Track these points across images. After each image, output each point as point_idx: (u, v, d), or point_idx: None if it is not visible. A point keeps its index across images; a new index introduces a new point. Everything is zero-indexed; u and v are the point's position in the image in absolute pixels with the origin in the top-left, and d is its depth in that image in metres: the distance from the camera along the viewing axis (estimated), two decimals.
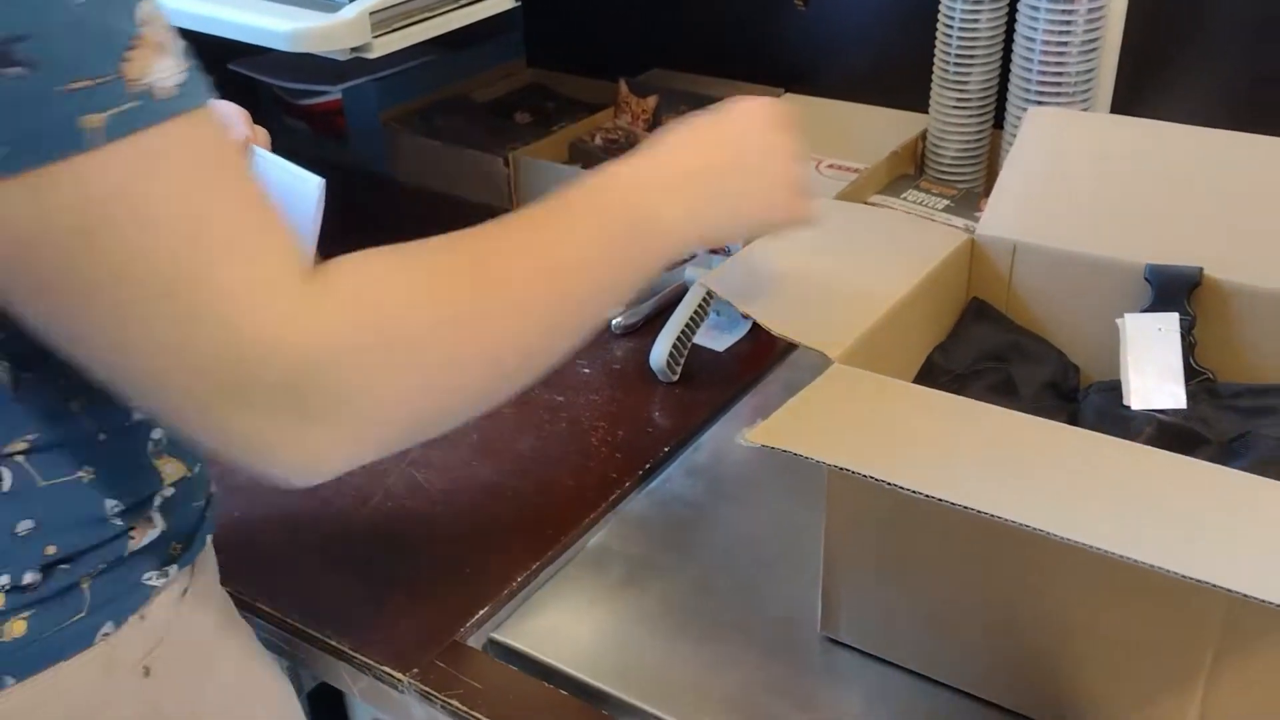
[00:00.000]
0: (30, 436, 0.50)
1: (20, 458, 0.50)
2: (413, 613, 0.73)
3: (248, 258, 0.43)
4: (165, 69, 0.41)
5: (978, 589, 0.61)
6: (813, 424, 0.58)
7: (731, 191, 0.60)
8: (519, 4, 1.05)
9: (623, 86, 1.36)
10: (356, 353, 0.45)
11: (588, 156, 1.30)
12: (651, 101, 1.34)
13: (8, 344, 0.49)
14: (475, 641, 0.72)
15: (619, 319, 1.02)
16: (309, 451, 0.45)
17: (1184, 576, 0.47)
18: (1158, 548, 0.49)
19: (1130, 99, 1.12)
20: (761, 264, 0.73)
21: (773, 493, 0.82)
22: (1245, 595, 0.46)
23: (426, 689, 0.67)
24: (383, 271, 0.48)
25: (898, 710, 0.64)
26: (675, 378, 0.94)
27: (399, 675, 0.68)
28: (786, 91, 1.33)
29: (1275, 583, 0.47)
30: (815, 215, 0.64)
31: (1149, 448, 0.57)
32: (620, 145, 1.31)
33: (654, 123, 1.34)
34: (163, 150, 0.41)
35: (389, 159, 1.34)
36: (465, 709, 0.66)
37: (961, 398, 0.61)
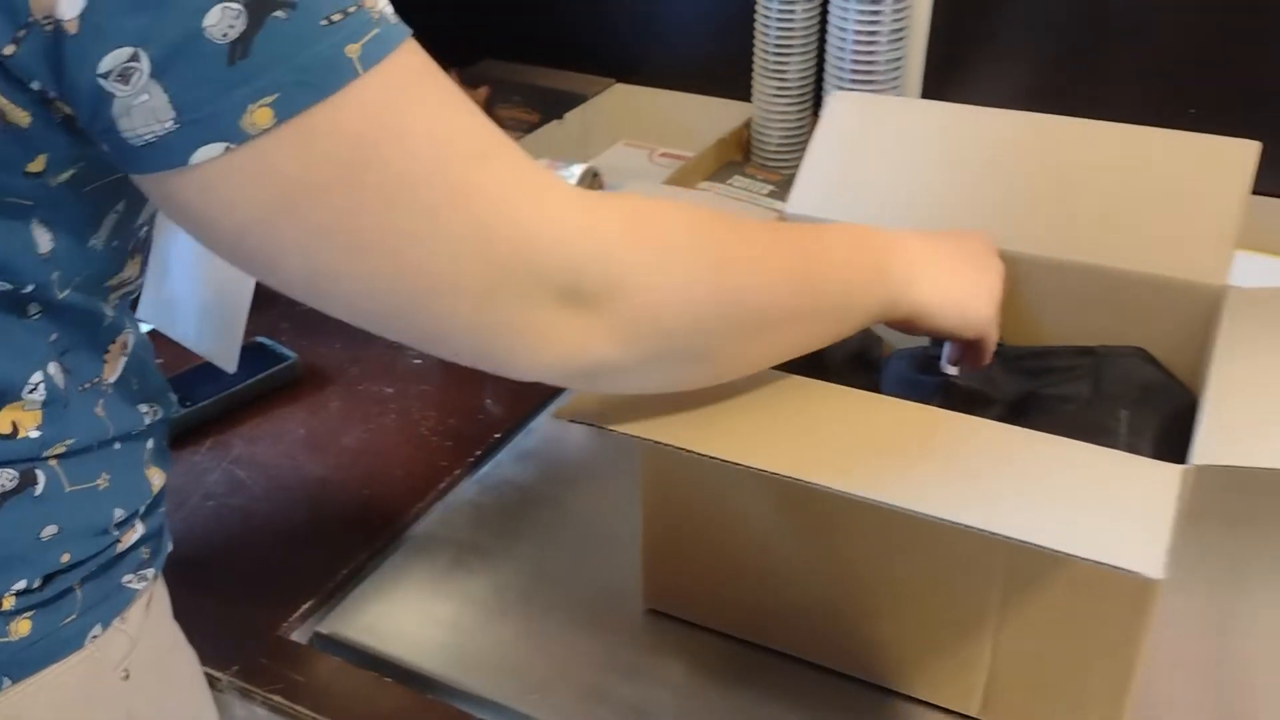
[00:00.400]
0: (70, 440, 0.49)
1: (55, 462, 0.49)
2: (234, 612, 0.71)
3: (509, 162, 0.45)
4: None
5: (786, 552, 0.64)
6: (622, 399, 0.59)
7: (961, 279, 0.65)
8: None
9: (454, 77, 1.35)
10: (626, 246, 0.48)
11: None
12: (483, 93, 1.34)
13: (59, 344, 0.48)
14: (300, 636, 0.71)
15: None
16: (575, 339, 0.48)
17: (963, 526, 0.50)
18: (941, 500, 0.52)
19: (940, 85, 1.18)
20: None
21: (603, 473, 0.83)
22: (1020, 540, 0.49)
23: (246, 686, 0.66)
24: (645, 198, 0.52)
25: (719, 675, 0.67)
26: None
27: (218, 674, 0.67)
28: (618, 82, 1.35)
29: (1047, 528, 0.50)
30: (994, 337, 0.68)
31: (937, 409, 0.60)
32: None
33: (486, 112, 1.34)
34: (406, 72, 0.42)
35: None
36: (287, 703, 0.65)
37: (767, 370, 0.63)
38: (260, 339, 0.95)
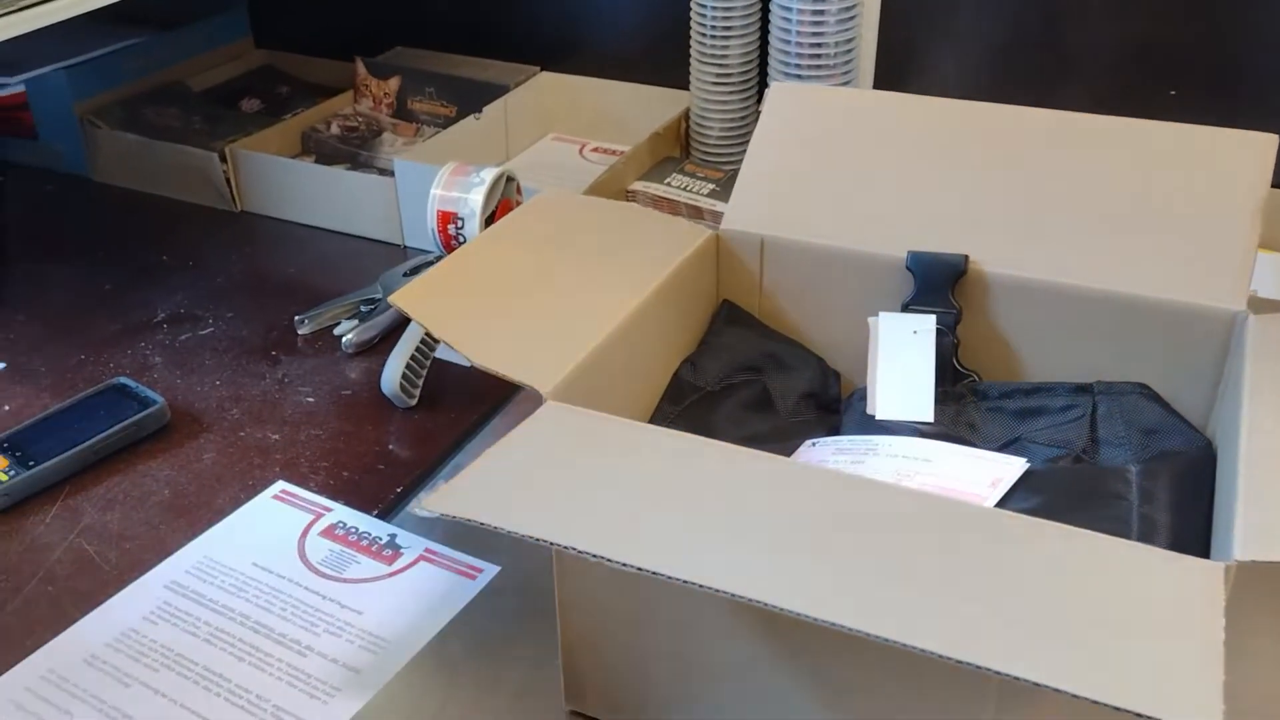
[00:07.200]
0: None
1: None
2: None
3: None
4: None
5: (725, 648, 0.52)
6: (512, 481, 0.48)
7: None
8: None
9: (360, 67, 1.22)
10: None
11: (323, 147, 1.16)
12: (394, 83, 1.21)
13: None
14: None
15: (350, 335, 0.89)
16: None
17: (973, 666, 0.39)
18: (938, 627, 0.41)
19: (895, 73, 1.07)
20: (475, 276, 0.62)
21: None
22: (1044, 685, 0.38)
23: None
24: None
25: None
26: (413, 402, 0.82)
27: None
28: (543, 70, 1.23)
29: (1069, 664, 0.39)
30: None
31: (896, 487, 0.49)
32: (359, 133, 1.18)
33: (398, 106, 1.21)
34: None
35: (88, 157, 1.15)
36: None
37: (681, 434, 0.51)
38: (121, 379, 0.82)
